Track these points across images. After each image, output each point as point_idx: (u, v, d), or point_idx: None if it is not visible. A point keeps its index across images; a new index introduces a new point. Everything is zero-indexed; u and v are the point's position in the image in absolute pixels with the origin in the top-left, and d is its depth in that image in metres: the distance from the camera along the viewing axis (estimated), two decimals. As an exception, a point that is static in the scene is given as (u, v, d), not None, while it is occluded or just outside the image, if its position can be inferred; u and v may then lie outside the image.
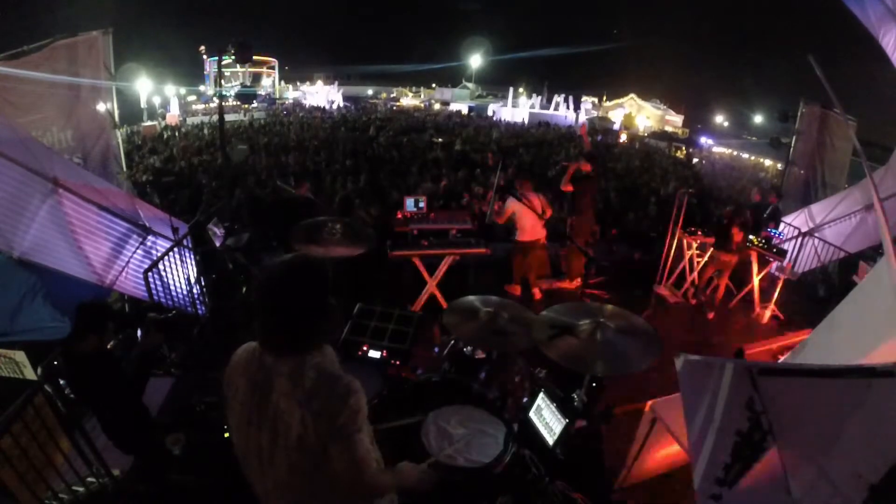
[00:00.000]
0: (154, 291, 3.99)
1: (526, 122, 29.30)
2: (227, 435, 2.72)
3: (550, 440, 2.37)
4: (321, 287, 1.40)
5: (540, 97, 34.23)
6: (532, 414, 2.55)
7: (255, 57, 26.30)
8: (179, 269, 4.44)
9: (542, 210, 5.14)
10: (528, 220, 5.30)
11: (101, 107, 6.01)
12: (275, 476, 1.44)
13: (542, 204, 5.23)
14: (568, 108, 31.42)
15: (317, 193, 7.31)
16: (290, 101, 32.42)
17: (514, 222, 5.48)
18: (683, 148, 24.35)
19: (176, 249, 4.35)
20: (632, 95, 33.58)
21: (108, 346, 2.76)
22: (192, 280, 4.68)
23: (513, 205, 5.22)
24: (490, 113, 31.57)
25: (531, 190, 5.39)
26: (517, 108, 31.89)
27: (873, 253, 5.43)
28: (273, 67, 33.23)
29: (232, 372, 1.46)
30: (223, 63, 6.58)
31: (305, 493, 1.45)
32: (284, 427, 1.36)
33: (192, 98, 27.23)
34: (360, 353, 3.07)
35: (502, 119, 29.48)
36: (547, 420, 2.47)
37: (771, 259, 5.43)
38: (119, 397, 2.66)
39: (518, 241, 5.54)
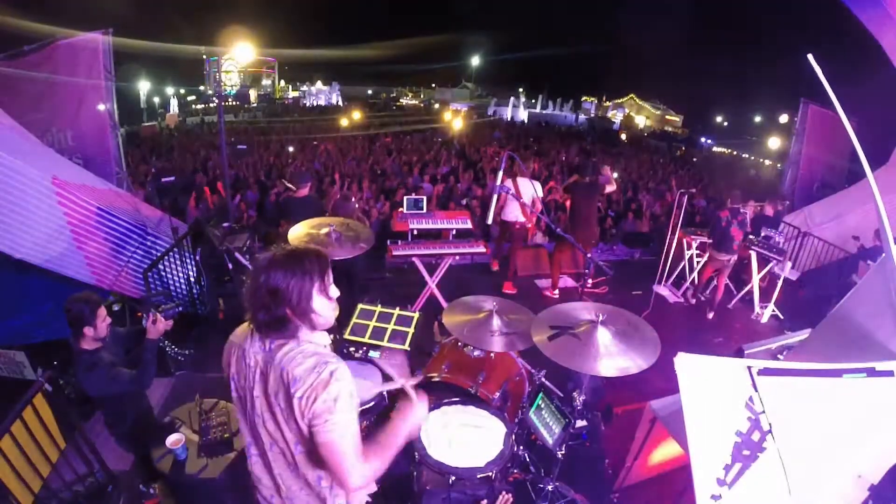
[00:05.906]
0: (154, 292, 3.99)
1: (526, 121, 29.32)
2: (226, 436, 2.74)
3: (550, 440, 2.37)
4: (310, 272, 1.38)
5: (540, 97, 34.30)
6: (532, 414, 2.55)
7: (254, 57, 26.32)
8: (179, 269, 4.44)
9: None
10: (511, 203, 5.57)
11: (101, 107, 6.01)
12: (262, 454, 1.50)
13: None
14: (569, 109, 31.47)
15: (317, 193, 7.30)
16: (290, 100, 32.38)
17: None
18: (683, 148, 24.33)
19: (176, 249, 4.35)
20: (632, 95, 33.60)
21: (106, 334, 2.73)
22: (192, 280, 4.68)
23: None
24: (490, 113, 31.58)
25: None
26: (517, 108, 31.92)
27: (873, 254, 5.42)
28: (273, 67, 33.18)
29: (225, 351, 1.52)
30: (222, 61, 6.58)
31: (288, 475, 1.48)
32: (270, 406, 1.41)
33: (191, 98, 27.20)
34: (360, 353, 3.08)
35: (504, 118, 29.49)
36: (547, 420, 2.47)
37: (770, 259, 5.42)
38: (122, 390, 2.65)
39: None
